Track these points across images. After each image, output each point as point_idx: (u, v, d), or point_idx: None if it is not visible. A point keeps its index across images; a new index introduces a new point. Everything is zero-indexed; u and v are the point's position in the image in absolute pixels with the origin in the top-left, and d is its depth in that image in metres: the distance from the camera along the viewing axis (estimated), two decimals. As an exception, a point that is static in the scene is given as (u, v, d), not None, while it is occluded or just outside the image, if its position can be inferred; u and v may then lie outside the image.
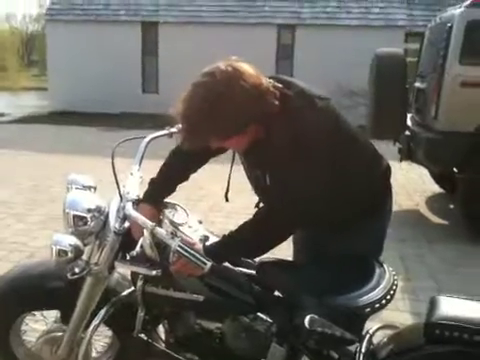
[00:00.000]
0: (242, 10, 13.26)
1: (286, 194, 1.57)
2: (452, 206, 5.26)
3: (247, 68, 1.50)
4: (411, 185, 6.07)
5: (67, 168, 6.61)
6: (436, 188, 5.87)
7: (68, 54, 13.61)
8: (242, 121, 1.50)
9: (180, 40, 12.82)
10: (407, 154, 4.91)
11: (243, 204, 3.55)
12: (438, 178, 5.73)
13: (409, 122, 5.15)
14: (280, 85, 1.58)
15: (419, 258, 3.98)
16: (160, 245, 1.66)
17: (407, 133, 4.95)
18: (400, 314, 2.93)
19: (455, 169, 4.75)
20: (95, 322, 1.83)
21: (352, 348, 1.59)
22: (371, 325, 1.70)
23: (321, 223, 1.76)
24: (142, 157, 1.89)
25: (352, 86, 10.20)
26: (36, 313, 2.13)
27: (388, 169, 1.86)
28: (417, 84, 5.33)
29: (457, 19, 4.40)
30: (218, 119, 1.46)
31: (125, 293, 1.91)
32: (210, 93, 1.45)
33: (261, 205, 1.85)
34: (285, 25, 13.08)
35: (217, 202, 5.15)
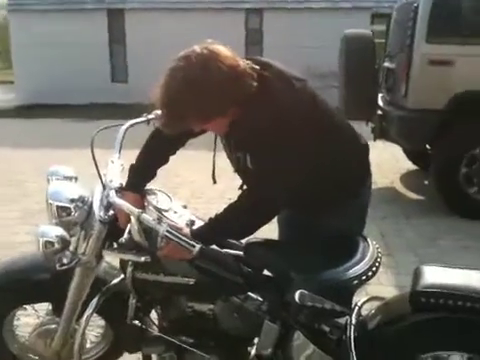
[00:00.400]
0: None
1: (268, 175, 1.60)
2: (426, 182, 5.39)
3: (223, 50, 1.51)
4: (385, 164, 6.19)
5: (39, 162, 6.50)
6: (410, 165, 6.00)
7: (33, 45, 13.23)
8: (222, 103, 1.51)
9: (147, 27, 12.63)
10: (380, 133, 5.01)
11: (224, 188, 3.57)
12: (411, 155, 5.85)
13: (380, 102, 5.24)
14: (257, 67, 1.59)
15: (398, 233, 4.09)
16: (147, 231, 1.67)
17: (379, 112, 5.04)
18: (384, 288, 3.01)
19: (427, 146, 4.88)
20: (88, 312, 1.83)
21: (342, 321, 1.64)
22: (358, 299, 1.75)
23: (304, 203, 1.79)
24: (121, 145, 1.88)
25: (322, 68, 10.26)
26: (27, 307, 2.12)
27: (366, 147, 1.90)
28: (386, 64, 5.41)
29: (423, -2, 4.46)
30: (197, 102, 1.47)
31: (115, 281, 1.91)
32: (188, 76, 1.46)
33: (244, 187, 1.88)
34: (253, 9, 13.03)
35: (197, 188, 5.15)
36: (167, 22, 12.52)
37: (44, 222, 1.81)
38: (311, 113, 1.64)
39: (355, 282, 1.57)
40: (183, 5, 12.94)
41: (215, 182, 1.99)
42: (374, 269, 1.62)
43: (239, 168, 1.79)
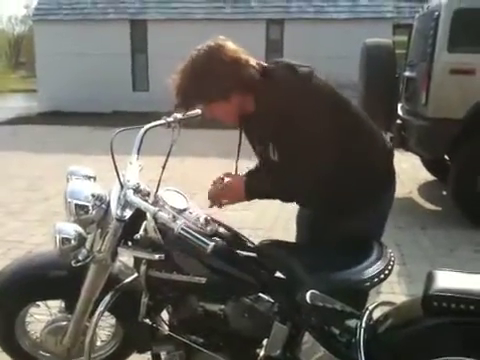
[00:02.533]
0: (230, 6, 13.25)
1: (293, 157, 1.69)
2: (444, 193, 5.33)
3: (229, 44, 1.72)
4: (404, 173, 6.13)
5: (60, 167, 6.59)
6: (428, 175, 5.95)
7: (57, 54, 13.52)
8: (223, 87, 1.69)
9: (169, 37, 12.77)
10: (399, 142, 4.97)
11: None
12: (430, 165, 5.80)
13: (400, 111, 5.21)
14: (265, 64, 1.77)
15: (414, 243, 4.04)
16: (162, 230, 1.70)
17: (398, 122, 5.01)
18: (396, 296, 2.97)
19: (446, 156, 4.83)
20: (100, 309, 1.85)
21: (352, 324, 1.64)
22: (368, 304, 1.74)
23: (325, 204, 1.80)
24: (140, 146, 1.91)
25: (342, 79, 10.19)
26: (40, 304, 2.15)
27: (391, 152, 1.90)
28: (407, 73, 5.40)
29: (444, 8, 4.46)
30: (201, 84, 1.68)
31: (128, 280, 1.94)
32: (194, 63, 1.71)
33: None
34: (273, 20, 13.10)
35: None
36: (188, 32, 12.59)
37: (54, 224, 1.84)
38: (318, 96, 1.69)
39: (367, 284, 1.57)
40: (204, 15, 13.09)
41: None
42: (387, 272, 1.61)
43: (265, 162, 1.87)
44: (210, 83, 1.68)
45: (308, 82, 1.71)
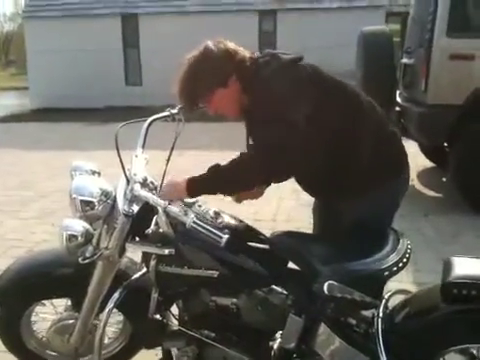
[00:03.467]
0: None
1: (260, 139, 1.72)
2: (444, 179, 5.31)
3: (224, 41, 1.78)
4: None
5: (54, 164, 6.56)
6: (427, 163, 5.92)
7: (48, 51, 13.36)
8: (220, 73, 1.74)
9: (161, 31, 12.66)
10: (399, 130, 4.93)
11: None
12: (428, 152, 5.77)
13: (398, 98, 5.18)
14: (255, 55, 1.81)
15: (417, 231, 4.01)
16: (172, 224, 1.67)
17: (397, 109, 4.98)
18: (404, 286, 2.90)
19: (445, 143, 4.80)
20: (109, 306, 1.81)
21: (369, 313, 1.61)
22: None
23: (336, 193, 1.78)
24: (145, 139, 1.88)
25: (337, 68, 10.15)
26: (45, 302, 2.11)
27: (398, 136, 1.87)
28: (404, 60, 5.35)
29: (442, -7, 4.40)
30: (200, 77, 1.73)
31: (137, 276, 1.90)
32: (191, 61, 1.76)
33: None
34: (266, 11, 13.00)
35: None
36: (180, 25, 12.54)
37: (60, 221, 1.79)
38: (306, 84, 1.69)
39: (386, 273, 1.54)
40: (196, 8, 12.96)
41: None
42: (405, 260, 1.59)
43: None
44: (207, 73, 1.73)
45: (290, 69, 1.71)
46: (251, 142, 1.86)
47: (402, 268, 1.58)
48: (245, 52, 1.79)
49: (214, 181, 1.70)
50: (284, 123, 1.61)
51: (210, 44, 1.76)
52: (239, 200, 2.02)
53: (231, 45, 1.78)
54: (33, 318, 2.16)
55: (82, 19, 13.38)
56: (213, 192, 1.72)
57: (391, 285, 2.47)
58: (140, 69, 13.59)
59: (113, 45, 13.43)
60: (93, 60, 13.14)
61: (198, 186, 1.69)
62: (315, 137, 1.67)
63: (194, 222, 1.50)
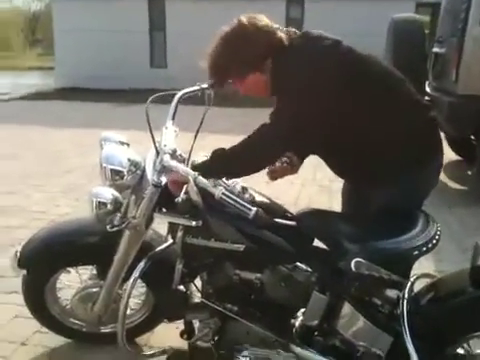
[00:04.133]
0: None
1: (277, 114, 1.69)
2: (470, 172, 5.22)
3: (257, 18, 1.72)
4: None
5: (80, 141, 6.65)
6: (453, 155, 5.83)
7: (75, 31, 13.45)
8: (256, 59, 1.69)
9: (187, 15, 12.64)
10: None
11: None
12: (455, 145, 5.67)
13: (427, 88, 5.09)
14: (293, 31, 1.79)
15: (441, 222, 3.94)
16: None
17: (426, 99, 4.89)
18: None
19: (472, 135, 4.71)
20: (134, 275, 1.82)
21: (394, 295, 1.60)
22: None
23: (364, 175, 1.76)
24: (175, 112, 1.87)
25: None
26: (71, 270, 2.14)
27: (434, 120, 1.82)
28: (435, 49, 5.24)
29: (478, -19, 4.30)
30: (233, 58, 1.69)
31: (162, 247, 1.91)
32: (226, 34, 1.72)
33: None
34: (294, -2, 12.86)
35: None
36: (206, 10, 12.47)
37: (84, 196, 1.81)
38: (336, 68, 1.64)
39: (415, 252, 1.53)
40: (223, -7, 12.88)
41: None
42: (434, 241, 1.58)
43: None
44: (244, 53, 1.68)
45: (326, 53, 1.67)
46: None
47: (431, 249, 1.56)
48: (281, 32, 1.74)
49: (233, 157, 1.70)
50: (314, 97, 1.61)
51: (244, 20, 1.70)
52: (274, 177, 2.02)
53: (265, 23, 1.72)
54: (58, 285, 2.20)
55: (110, 1, 13.41)
56: (220, 172, 1.71)
57: (412, 273, 2.47)
58: (165, 52, 13.59)
59: (140, 27, 13.44)
60: (119, 41, 13.19)
61: (203, 167, 1.69)
62: (344, 116, 1.65)
63: (223, 193, 1.50)
